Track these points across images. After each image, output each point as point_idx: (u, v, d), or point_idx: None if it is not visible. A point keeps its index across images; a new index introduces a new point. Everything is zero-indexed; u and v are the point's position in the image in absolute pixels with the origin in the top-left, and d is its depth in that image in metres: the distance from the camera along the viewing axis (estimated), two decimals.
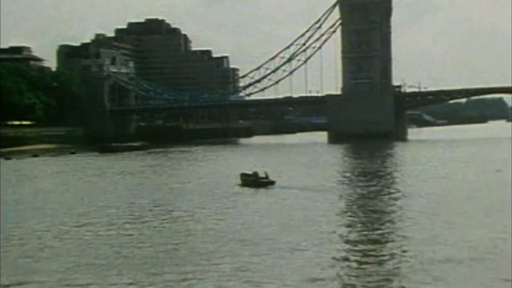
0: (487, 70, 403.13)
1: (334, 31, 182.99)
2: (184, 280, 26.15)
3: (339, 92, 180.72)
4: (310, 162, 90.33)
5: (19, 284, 26.25)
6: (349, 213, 43.89)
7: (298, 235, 34.90)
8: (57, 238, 36.53)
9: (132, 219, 43.43)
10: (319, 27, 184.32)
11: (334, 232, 36.21)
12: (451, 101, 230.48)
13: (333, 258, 29.67)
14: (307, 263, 28.38)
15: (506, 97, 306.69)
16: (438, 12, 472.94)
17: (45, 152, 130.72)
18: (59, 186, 67.79)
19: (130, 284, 25.94)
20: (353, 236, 35.54)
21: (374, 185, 59.35)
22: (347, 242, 33.91)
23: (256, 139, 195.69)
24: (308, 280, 25.68)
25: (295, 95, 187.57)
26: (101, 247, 33.16)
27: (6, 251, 32.60)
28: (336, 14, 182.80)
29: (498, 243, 31.81)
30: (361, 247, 32.46)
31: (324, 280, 25.64)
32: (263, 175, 59.12)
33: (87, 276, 27.07)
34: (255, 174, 59.48)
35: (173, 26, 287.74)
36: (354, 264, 28.75)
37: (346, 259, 29.75)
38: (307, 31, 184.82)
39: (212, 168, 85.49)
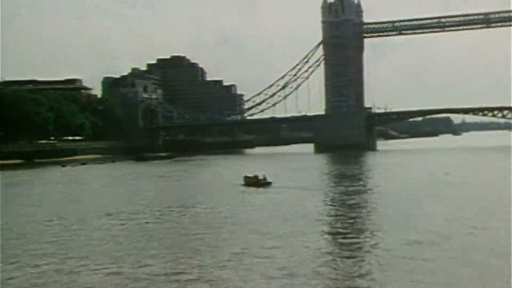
0: (438, 95, 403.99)
1: (318, 65, 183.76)
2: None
3: (323, 112, 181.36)
4: (299, 167, 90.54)
5: None
6: (330, 206, 44.51)
7: (289, 221, 35.59)
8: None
9: (170, 210, 43.71)
10: (307, 61, 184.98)
11: (317, 219, 36.88)
12: (411, 119, 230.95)
13: (316, 234, 30.45)
14: (297, 236, 29.19)
15: (452, 116, 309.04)
16: (399, 49, 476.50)
17: (92, 160, 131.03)
18: (105, 187, 68.29)
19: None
20: (332, 220, 36.26)
21: (350, 185, 59.65)
22: (328, 225, 34.65)
23: (257, 150, 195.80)
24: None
25: (288, 115, 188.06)
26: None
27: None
28: (320, 51, 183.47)
29: (446, 227, 32.61)
30: (339, 227, 33.20)
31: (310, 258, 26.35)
32: (262, 177, 59.26)
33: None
34: (256, 176, 59.59)
35: (192, 61, 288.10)
36: (333, 238, 29.57)
37: (327, 237, 30.53)
38: (298, 64, 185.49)
39: (222, 172, 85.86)
